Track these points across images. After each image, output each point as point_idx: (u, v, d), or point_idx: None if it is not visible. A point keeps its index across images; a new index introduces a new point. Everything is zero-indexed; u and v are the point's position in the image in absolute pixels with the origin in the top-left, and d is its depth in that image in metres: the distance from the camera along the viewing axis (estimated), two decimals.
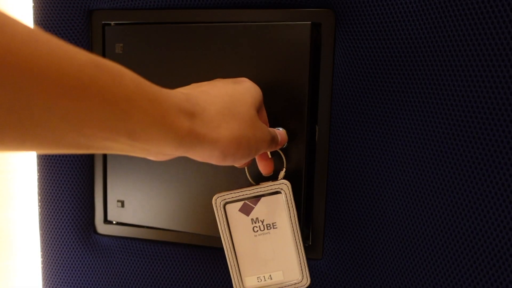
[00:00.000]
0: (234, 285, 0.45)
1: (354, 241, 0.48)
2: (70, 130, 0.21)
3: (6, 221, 0.75)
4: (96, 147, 0.24)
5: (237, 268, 0.44)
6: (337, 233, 0.49)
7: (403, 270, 0.45)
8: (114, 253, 0.56)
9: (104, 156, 0.55)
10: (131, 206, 0.54)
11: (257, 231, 0.44)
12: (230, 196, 0.43)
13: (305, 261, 0.45)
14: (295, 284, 0.45)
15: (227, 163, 0.34)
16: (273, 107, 0.46)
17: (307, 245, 0.50)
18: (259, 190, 0.44)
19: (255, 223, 0.44)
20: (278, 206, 0.44)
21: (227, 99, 0.34)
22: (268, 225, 0.44)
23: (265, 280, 0.45)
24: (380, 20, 0.43)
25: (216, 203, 0.44)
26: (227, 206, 0.44)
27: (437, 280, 0.43)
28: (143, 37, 0.51)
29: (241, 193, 0.44)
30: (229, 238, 0.44)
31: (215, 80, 0.39)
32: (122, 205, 0.54)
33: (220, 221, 0.44)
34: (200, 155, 0.32)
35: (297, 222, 0.44)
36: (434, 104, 0.42)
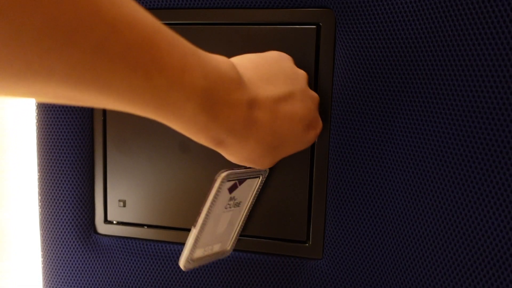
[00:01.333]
0: (184, 256, 0.42)
1: (354, 241, 0.48)
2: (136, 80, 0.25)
3: (1, 221, 0.75)
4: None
5: (197, 240, 0.43)
6: (337, 233, 0.49)
7: (403, 270, 0.45)
8: (114, 253, 0.56)
9: (104, 156, 0.55)
10: (133, 205, 0.54)
11: (227, 208, 0.45)
12: (235, 174, 0.42)
13: (237, 235, 0.48)
14: (219, 252, 0.47)
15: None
16: None
17: (307, 245, 0.50)
18: (251, 172, 0.45)
19: (230, 201, 0.44)
20: (251, 188, 0.46)
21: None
22: (236, 204, 0.46)
23: (206, 252, 0.45)
24: (380, 20, 0.43)
25: (218, 179, 0.41)
26: (222, 184, 0.42)
27: (437, 280, 0.43)
28: None
29: (244, 173, 0.43)
30: (208, 213, 0.42)
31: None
32: (124, 205, 0.54)
33: (211, 197, 0.41)
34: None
35: (252, 203, 0.47)
36: (434, 104, 0.42)
